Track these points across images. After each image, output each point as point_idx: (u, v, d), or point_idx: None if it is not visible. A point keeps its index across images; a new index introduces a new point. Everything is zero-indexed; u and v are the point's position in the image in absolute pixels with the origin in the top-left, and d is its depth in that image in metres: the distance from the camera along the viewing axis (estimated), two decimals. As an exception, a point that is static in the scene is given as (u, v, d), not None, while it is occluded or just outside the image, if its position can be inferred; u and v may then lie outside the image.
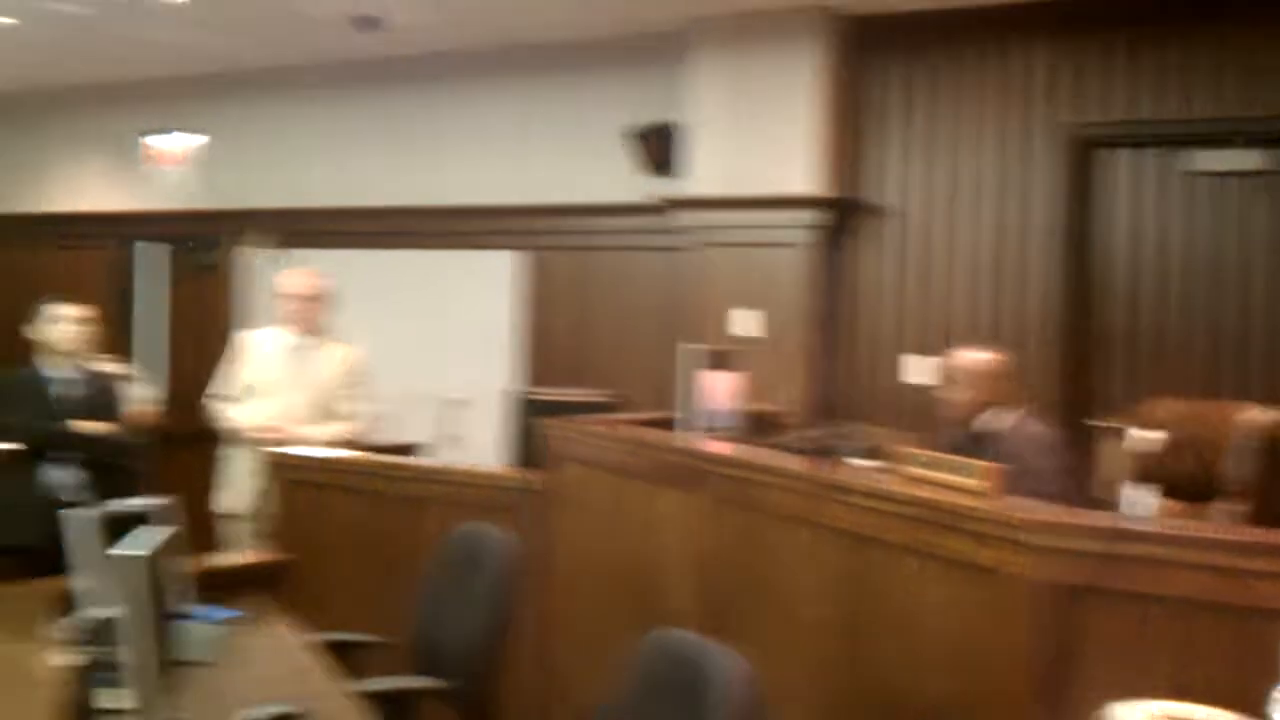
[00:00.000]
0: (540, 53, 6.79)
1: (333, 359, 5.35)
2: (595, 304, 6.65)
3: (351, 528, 4.81)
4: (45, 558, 4.51)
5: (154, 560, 2.26)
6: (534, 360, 6.78)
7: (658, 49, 6.17)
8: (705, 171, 6.01)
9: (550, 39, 6.67)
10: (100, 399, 5.05)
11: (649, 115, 6.27)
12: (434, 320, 7.06)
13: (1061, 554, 2.70)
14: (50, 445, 4.88)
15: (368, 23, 6.31)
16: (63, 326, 5.03)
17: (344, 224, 7.46)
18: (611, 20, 6.25)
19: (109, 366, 5.72)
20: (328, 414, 5.31)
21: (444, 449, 5.41)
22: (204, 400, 5.54)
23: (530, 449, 4.88)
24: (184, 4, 6.22)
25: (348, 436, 5.26)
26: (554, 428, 4.64)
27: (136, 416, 5.68)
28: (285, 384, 5.27)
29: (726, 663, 2.32)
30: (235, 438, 5.32)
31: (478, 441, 5.27)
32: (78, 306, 5.10)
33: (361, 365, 5.40)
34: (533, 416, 5.01)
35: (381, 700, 3.01)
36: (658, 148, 6.27)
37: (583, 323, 6.70)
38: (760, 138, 5.84)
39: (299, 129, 7.79)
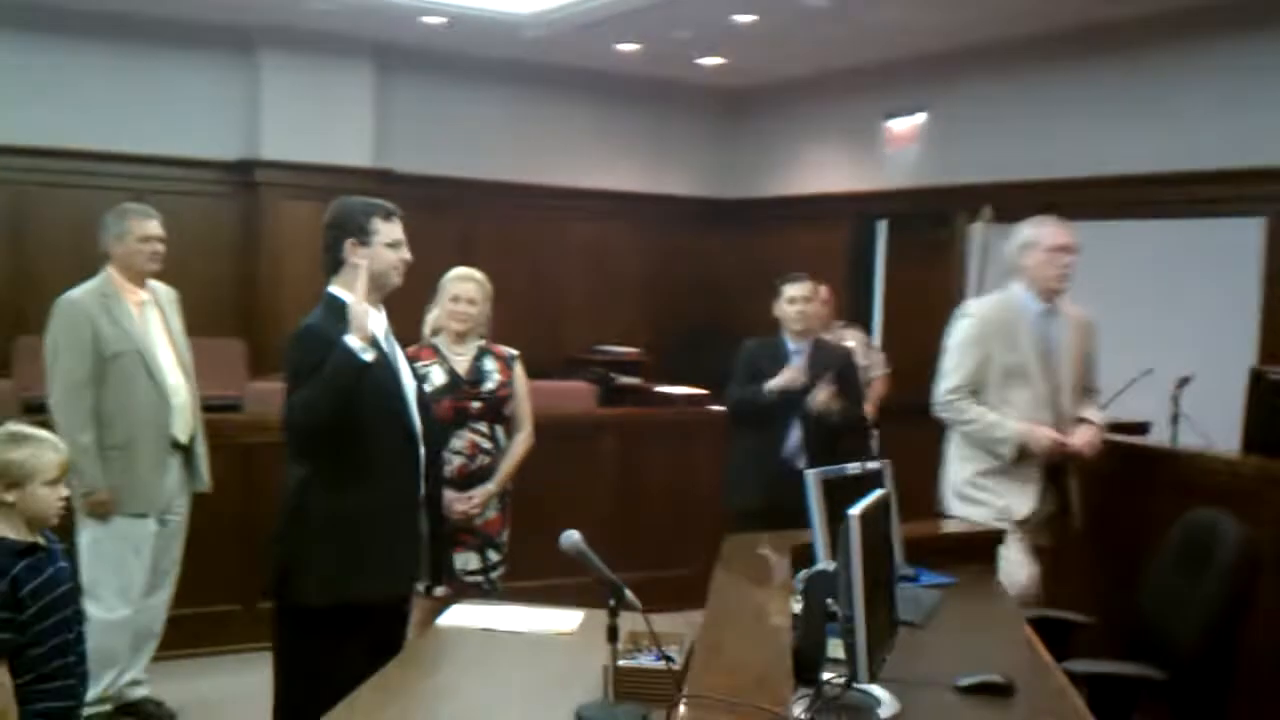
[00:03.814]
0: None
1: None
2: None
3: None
4: (779, 515, 4.96)
5: (866, 519, 2.40)
6: (1274, 336, 6.20)
7: None
8: None
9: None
10: (833, 370, 5.19)
11: None
12: (1164, 292, 6.70)
13: None
14: (780, 413, 5.10)
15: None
16: (796, 302, 5.22)
17: (1072, 195, 7.29)
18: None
19: (845, 338, 6.04)
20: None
21: (1173, 429, 5.12)
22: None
23: (1271, 433, 4.47)
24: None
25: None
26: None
27: (869, 387, 5.97)
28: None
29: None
30: None
31: (1209, 423, 4.91)
32: (810, 284, 5.27)
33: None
34: (1273, 397, 4.58)
35: (1093, 682, 2.95)
36: None
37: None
38: None
39: (1031, 99, 7.72)
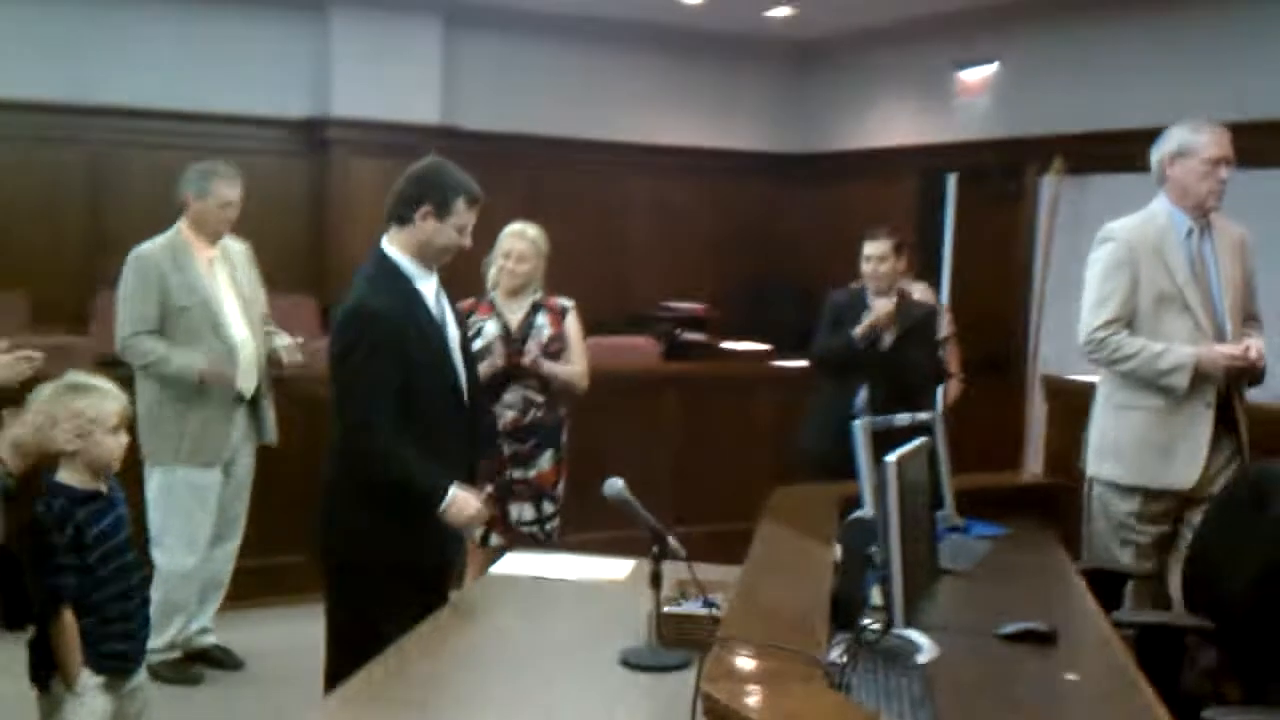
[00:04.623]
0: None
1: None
2: None
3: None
4: (836, 464, 4.92)
5: (903, 466, 2.41)
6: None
7: None
8: None
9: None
10: (911, 322, 5.09)
11: None
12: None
13: None
14: (850, 365, 5.05)
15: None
16: (871, 260, 5.08)
17: (1145, 146, 7.11)
18: None
19: (919, 293, 5.91)
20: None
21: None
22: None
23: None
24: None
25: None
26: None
27: (939, 338, 5.85)
28: None
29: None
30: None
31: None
32: (888, 241, 5.13)
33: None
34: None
35: (1142, 631, 2.93)
36: None
37: None
38: None
39: (1104, 49, 7.54)
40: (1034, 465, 6.83)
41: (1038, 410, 6.94)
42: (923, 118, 9.06)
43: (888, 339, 5.03)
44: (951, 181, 8.94)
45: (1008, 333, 7.87)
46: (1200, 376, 3.77)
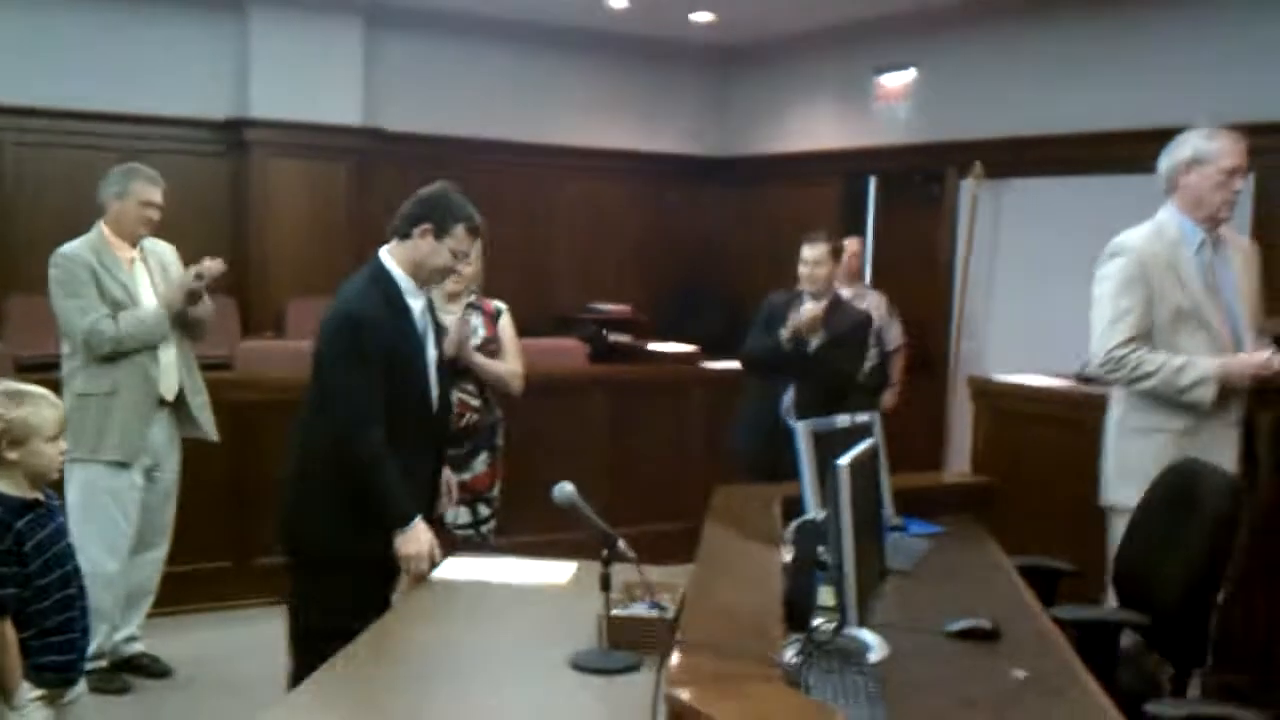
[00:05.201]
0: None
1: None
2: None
3: (1055, 457, 4.79)
4: (779, 469, 4.95)
5: (855, 469, 2.44)
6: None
7: None
8: None
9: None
10: (841, 328, 5.10)
11: None
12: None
13: None
14: (777, 367, 5.08)
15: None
16: (807, 264, 5.11)
17: (1062, 151, 7.30)
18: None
19: (865, 298, 5.96)
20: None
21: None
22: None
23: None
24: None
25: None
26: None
27: (890, 359, 5.89)
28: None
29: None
30: None
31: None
32: (825, 246, 5.14)
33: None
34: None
35: (1078, 627, 3.00)
36: None
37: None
38: None
39: (1021, 55, 7.69)
40: (958, 463, 6.96)
41: (961, 409, 7.06)
42: (844, 122, 9.17)
43: (815, 342, 5.07)
44: (872, 185, 9.08)
45: (930, 334, 8.00)
46: (1224, 390, 3.64)
